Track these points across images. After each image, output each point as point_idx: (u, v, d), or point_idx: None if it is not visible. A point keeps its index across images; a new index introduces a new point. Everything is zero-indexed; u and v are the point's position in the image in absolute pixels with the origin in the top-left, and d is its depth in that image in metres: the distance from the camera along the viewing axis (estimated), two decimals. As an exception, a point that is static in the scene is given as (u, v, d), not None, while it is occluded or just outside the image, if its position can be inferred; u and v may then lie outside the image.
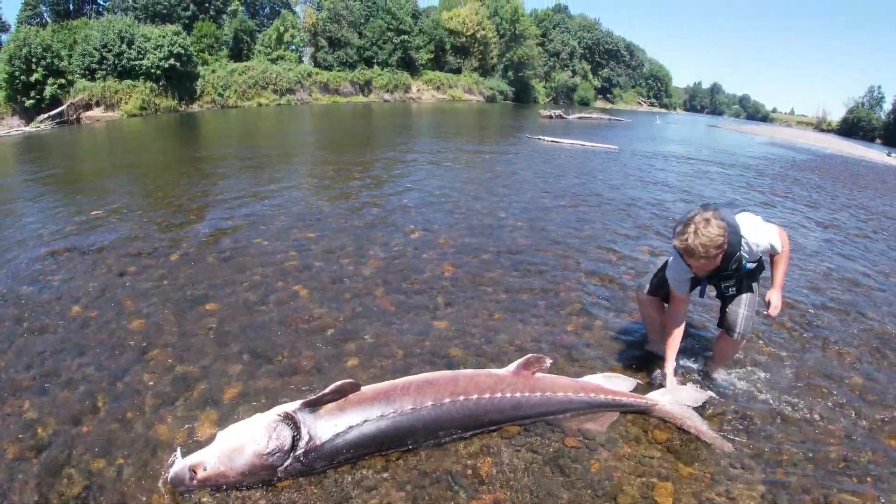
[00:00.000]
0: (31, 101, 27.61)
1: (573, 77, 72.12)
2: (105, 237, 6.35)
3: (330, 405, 2.80)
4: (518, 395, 3.13)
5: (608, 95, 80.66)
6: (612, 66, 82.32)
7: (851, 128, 73.67)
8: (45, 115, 26.93)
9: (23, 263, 5.54)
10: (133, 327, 4.22)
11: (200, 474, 2.60)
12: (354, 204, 8.30)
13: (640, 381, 3.63)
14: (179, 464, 2.63)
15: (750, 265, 3.35)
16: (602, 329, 4.54)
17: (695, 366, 3.93)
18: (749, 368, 4.00)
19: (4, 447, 2.94)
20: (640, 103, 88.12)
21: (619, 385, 3.45)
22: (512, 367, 3.29)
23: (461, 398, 2.99)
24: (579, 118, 37.20)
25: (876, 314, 5.28)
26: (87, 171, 11.72)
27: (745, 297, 3.44)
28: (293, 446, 2.67)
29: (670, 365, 3.49)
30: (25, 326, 4.23)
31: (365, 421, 2.79)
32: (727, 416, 3.45)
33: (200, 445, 2.93)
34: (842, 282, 6.24)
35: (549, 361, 3.35)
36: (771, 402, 3.62)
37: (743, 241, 3.20)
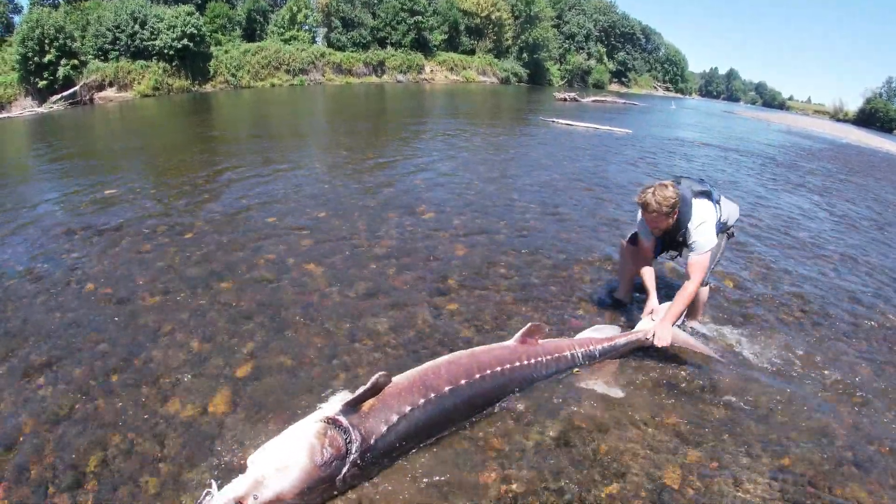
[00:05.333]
0: (45, 83, 27.69)
1: (588, 60, 71.09)
2: (120, 216, 6.40)
3: (371, 401, 2.66)
4: (533, 360, 3.32)
5: (623, 79, 79.52)
6: (627, 49, 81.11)
7: (868, 118, 72.38)
8: (59, 96, 27.03)
9: (38, 241, 5.61)
10: (147, 304, 4.26)
11: None
12: (367, 184, 8.29)
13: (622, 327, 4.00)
14: (219, 499, 2.23)
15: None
16: (612, 312, 4.52)
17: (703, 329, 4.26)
18: (760, 356, 3.99)
19: (22, 422, 2.99)
20: (655, 88, 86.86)
21: (609, 333, 3.81)
22: (517, 336, 3.43)
23: (488, 372, 3.07)
24: (594, 101, 36.73)
25: (887, 306, 5.21)
26: (100, 151, 11.78)
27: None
28: (347, 450, 2.47)
29: (653, 293, 3.97)
30: (41, 303, 4.29)
31: (412, 409, 2.70)
32: (736, 402, 3.44)
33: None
34: (854, 272, 6.16)
35: (547, 328, 3.62)
36: (779, 390, 3.60)
37: (690, 223, 3.70)
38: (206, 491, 2.29)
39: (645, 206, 3.61)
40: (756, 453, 3.01)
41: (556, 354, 3.44)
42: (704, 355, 3.85)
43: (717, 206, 3.88)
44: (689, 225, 3.71)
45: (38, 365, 3.49)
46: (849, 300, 5.23)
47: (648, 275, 4.04)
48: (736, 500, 2.69)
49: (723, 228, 4.02)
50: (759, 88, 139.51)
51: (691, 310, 4.14)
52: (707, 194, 3.85)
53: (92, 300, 4.33)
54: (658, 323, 3.70)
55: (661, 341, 3.62)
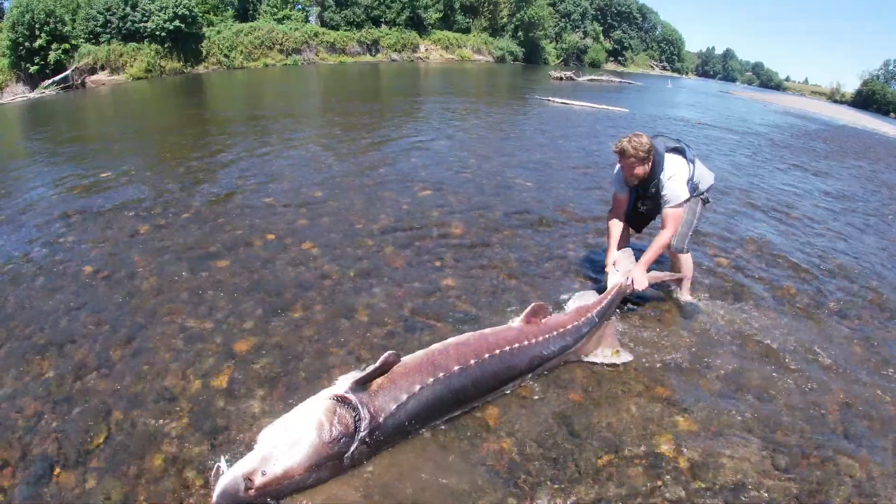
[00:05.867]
0: (36, 68, 27.32)
1: (584, 39, 70.35)
2: (115, 198, 6.39)
3: (379, 380, 2.67)
4: (541, 339, 3.30)
5: (619, 58, 78.75)
6: (623, 28, 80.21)
7: (865, 100, 72.05)
8: (50, 81, 26.70)
9: (35, 226, 5.60)
10: (146, 286, 4.28)
11: (259, 480, 2.27)
12: (363, 163, 8.27)
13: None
14: (229, 475, 2.25)
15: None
16: (604, 281, 4.56)
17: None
18: (754, 331, 4.04)
19: (24, 403, 3.02)
20: (651, 67, 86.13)
21: (593, 297, 3.88)
22: (522, 317, 3.44)
23: (497, 352, 3.06)
24: (590, 80, 36.52)
25: (879, 284, 5.26)
26: (94, 135, 11.70)
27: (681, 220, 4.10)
28: (356, 428, 2.50)
29: (613, 245, 4.17)
30: (39, 287, 4.30)
31: (421, 388, 2.71)
32: (729, 376, 3.50)
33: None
34: (847, 250, 6.21)
35: (551, 308, 3.63)
36: (772, 365, 3.66)
37: (662, 174, 3.87)
38: (215, 466, 2.33)
39: (622, 153, 3.80)
40: (749, 425, 3.07)
41: (561, 330, 3.44)
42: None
43: (691, 164, 4.03)
44: (662, 176, 3.88)
45: (39, 347, 3.51)
46: (843, 278, 5.29)
47: (615, 228, 4.20)
48: (728, 469, 2.75)
49: (695, 190, 4.10)
50: (756, 69, 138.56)
51: (681, 281, 4.33)
52: (680, 151, 4.05)
53: (90, 282, 4.35)
54: (634, 269, 3.95)
55: (639, 284, 3.89)
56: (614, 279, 4.00)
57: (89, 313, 3.89)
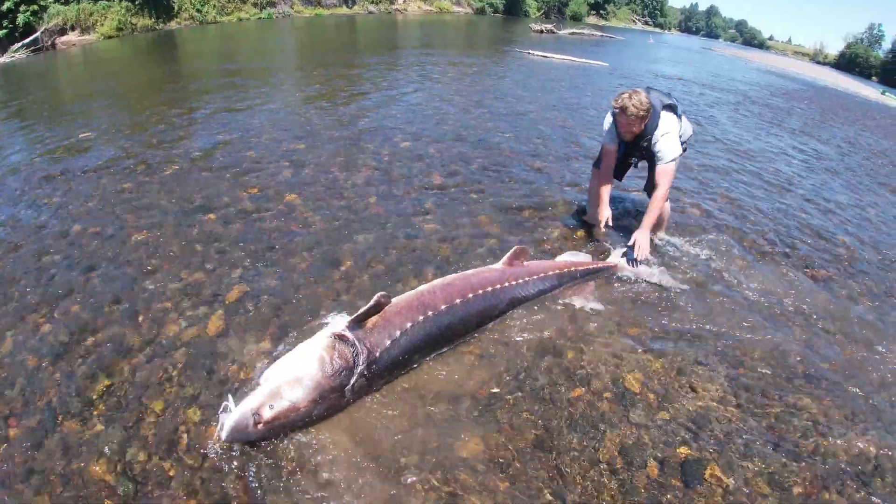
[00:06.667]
0: (4, 31, 26.23)
1: (566, -9, 68.76)
2: (97, 157, 6.37)
3: (374, 318, 2.83)
4: (520, 281, 3.53)
5: (601, 12, 76.78)
6: (606, -19, 78.45)
7: (849, 63, 72.15)
8: (20, 45, 25.76)
9: (19, 189, 5.58)
10: (135, 240, 4.35)
11: (267, 415, 2.40)
12: (343, 116, 8.26)
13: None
14: (238, 411, 2.38)
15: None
16: (581, 231, 4.82)
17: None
18: (722, 279, 4.26)
19: (26, 359, 3.11)
20: (633, 21, 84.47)
21: (584, 258, 4.09)
22: (504, 259, 3.64)
23: (480, 292, 3.26)
24: (571, 34, 35.97)
25: (847, 239, 5.50)
26: (69, 97, 11.47)
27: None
28: (355, 362, 2.66)
29: (604, 207, 4.31)
30: (29, 248, 4.33)
31: (412, 325, 2.89)
32: (696, 319, 3.71)
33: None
34: (818, 208, 6.43)
35: (531, 251, 3.82)
36: (739, 310, 3.87)
37: (657, 131, 3.98)
38: (223, 405, 2.45)
39: (624, 110, 3.86)
40: (713, 364, 3.28)
41: (542, 275, 3.67)
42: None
43: (681, 120, 4.14)
44: (656, 133, 4.00)
45: (35, 305, 3.58)
46: (811, 234, 5.52)
47: (604, 185, 4.36)
48: (692, 403, 2.98)
49: (682, 143, 4.24)
50: (740, 26, 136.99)
51: (658, 224, 4.53)
52: (673, 108, 4.11)
53: (80, 241, 4.40)
54: (637, 233, 4.05)
55: (644, 250, 4.01)
56: (614, 259, 4.19)
57: (82, 270, 3.96)
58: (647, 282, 4.00)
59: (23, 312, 3.53)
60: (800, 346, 3.59)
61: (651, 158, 4.15)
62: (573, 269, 3.85)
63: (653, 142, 4.03)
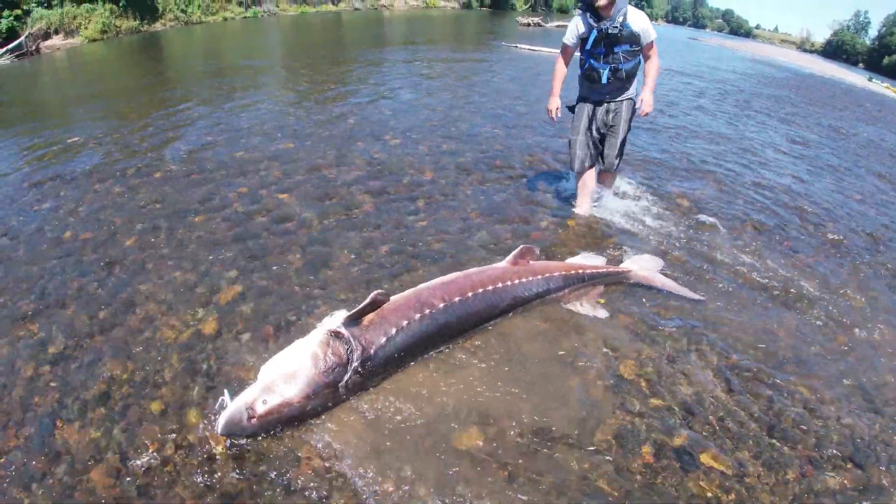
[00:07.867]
0: (-12, 37, 26.12)
1: (552, -16, 68.59)
2: (86, 162, 6.34)
3: (370, 315, 2.84)
4: (524, 280, 3.48)
5: (588, 4, 76.86)
6: (591, -30, 78.02)
7: (835, 50, 72.58)
8: (4, 50, 25.52)
9: (7, 196, 5.54)
10: (127, 245, 4.35)
11: (261, 409, 2.45)
12: (332, 114, 8.25)
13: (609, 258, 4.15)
14: (232, 406, 2.44)
15: (632, 48, 4.41)
16: (573, 224, 4.84)
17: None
18: (713, 265, 4.30)
19: (20, 366, 3.10)
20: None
21: (596, 261, 3.93)
22: (509, 258, 3.60)
23: (480, 290, 3.25)
24: (558, 27, 35.94)
25: (836, 226, 5.54)
26: (55, 102, 11.38)
27: (617, 141, 4.71)
28: (349, 359, 2.67)
29: (556, 95, 5.01)
30: (21, 256, 4.30)
31: (408, 323, 2.89)
32: (688, 306, 3.76)
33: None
34: (806, 193, 6.47)
35: (538, 250, 3.74)
36: (729, 294, 3.92)
37: (625, 8, 4.24)
38: (220, 400, 2.52)
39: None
40: (705, 351, 3.31)
41: (547, 275, 3.61)
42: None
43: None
44: (626, 9, 4.26)
45: (29, 312, 3.56)
46: (799, 218, 5.57)
47: (561, 75, 4.98)
48: (684, 389, 3.01)
49: None
50: (726, 16, 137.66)
51: (608, 182, 5.08)
52: None
53: (72, 246, 4.38)
54: (643, 92, 4.54)
55: (647, 106, 4.53)
56: (628, 265, 4.02)
57: (75, 276, 3.94)
58: (660, 291, 3.89)
59: (17, 319, 3.50)
60: (791, 330, 3.62)
61: (626, 81, 4.57)
62: (582, 271, 3.76)
63: (626, 20, 4.26)
